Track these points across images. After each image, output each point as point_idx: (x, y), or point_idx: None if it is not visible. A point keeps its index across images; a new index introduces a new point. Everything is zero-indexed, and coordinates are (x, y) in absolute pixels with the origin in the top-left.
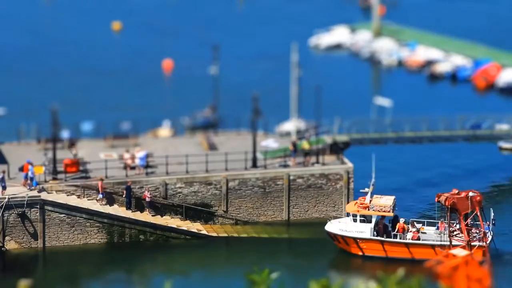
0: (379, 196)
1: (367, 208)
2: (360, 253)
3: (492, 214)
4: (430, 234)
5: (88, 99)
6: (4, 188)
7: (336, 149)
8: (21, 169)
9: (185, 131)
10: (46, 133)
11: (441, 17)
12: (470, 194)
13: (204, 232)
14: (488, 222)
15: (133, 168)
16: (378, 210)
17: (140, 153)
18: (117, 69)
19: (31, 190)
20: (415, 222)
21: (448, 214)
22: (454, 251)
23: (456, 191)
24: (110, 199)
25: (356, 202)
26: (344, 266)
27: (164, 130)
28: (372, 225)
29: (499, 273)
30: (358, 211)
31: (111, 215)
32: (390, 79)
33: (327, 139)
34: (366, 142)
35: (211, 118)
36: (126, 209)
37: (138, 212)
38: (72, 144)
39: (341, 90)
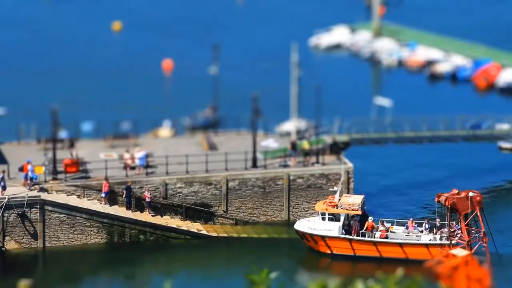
0: (348, 195)
1: (335, 207)
2: (328, 252)
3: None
4: (399, 233)
5: (88, 99)
6: (4, 188)
7: (336, 149)
8: (21, 169)
9: (185, 131)
10: (46, 133)
11: (441, 17)
12: (470, 194)
13: (204, 232)
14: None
15: (133, 168)
16: (347, 209)
17: (139, 153)
18: (117, 69)
19: (31, 190)
20: (384, 221)
21: (448, 214)
22: (454, 251)
23: (456, 191)
24: (112, 199)
25: (325, 201)
26: (313, 265)
27: (164, 130)
28: (340, 223)
29: (499, 273)
30: (326, 209)
31: (111, 215)
32: (390, 79)
33: (327, 139)
34: (366, 142)
35: (211, 118)
36: (126, 209)
37: (138, 212)
38: (71, 144)
39: (341, 90)
